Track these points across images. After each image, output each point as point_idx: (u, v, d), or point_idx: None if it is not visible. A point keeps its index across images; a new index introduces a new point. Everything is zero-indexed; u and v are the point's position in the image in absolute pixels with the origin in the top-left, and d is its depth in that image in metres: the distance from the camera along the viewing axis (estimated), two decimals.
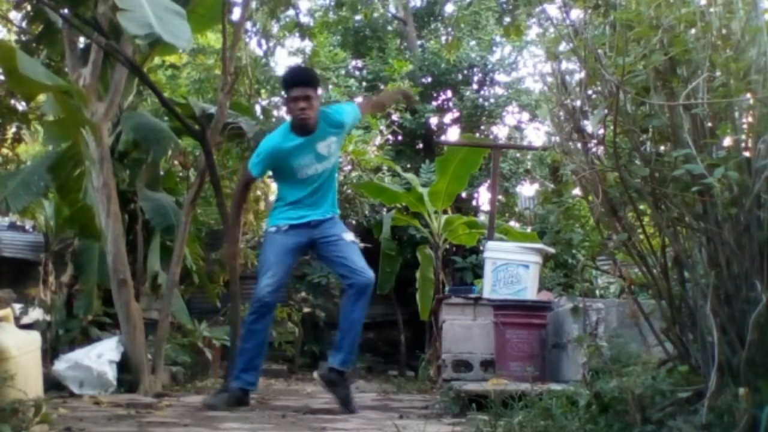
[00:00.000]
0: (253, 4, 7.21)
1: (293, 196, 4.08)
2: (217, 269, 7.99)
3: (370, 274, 3.95)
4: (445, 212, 8.04)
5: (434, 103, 10.89)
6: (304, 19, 10.62)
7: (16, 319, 4.42)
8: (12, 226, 10.52)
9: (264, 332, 4.01)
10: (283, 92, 4.21)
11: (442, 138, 10.81)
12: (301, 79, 4.05)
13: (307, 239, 4.06)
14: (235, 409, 3.78)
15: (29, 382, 2.63)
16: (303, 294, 9.15)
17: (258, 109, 7.30)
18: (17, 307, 5.81)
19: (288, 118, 4.21)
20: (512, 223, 9.63)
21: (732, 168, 1.84)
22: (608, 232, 2.40)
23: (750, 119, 2.04)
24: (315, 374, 4.01)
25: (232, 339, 5.30)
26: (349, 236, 4.12)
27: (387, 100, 4.49)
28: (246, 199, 4.79)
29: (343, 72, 10.80)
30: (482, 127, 10.73)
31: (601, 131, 2.26)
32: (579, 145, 2.35)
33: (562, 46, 2.36)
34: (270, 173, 4.48)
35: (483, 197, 10.80)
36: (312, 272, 9.60)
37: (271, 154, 4.05)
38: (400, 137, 10.35)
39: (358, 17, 12.58)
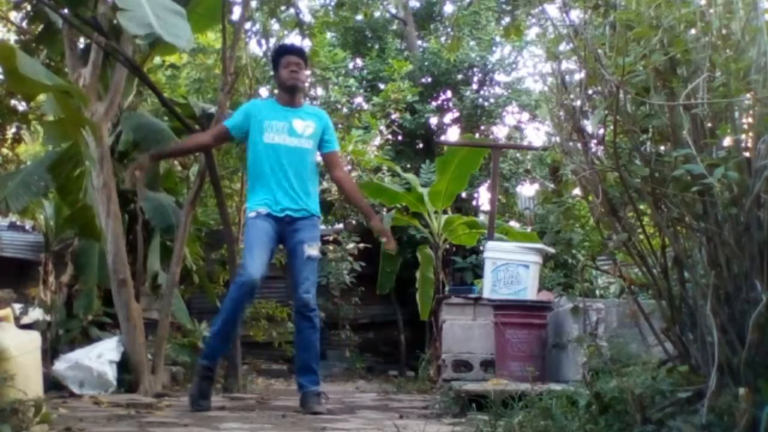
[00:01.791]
0: (253, 4, 7.22)
1: (260, 170, 4.01)
2: (217, 269, 8.00)
3: (310, 297, 3.91)
4: (445, 212, 8.04)
5: (434, 103, 10.89)
6: (304, 18, 10.61)
7: (16, 319, 4.43)
8: (12, 226, 10.52)
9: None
10: (275, 63, 4.22)
11: (442, 138, 10.82)
12: (292, 49, 4.29)
13: (281, 231, 4.00)
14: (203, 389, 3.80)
15: (29, 382, 2.63)
16: None
17: None
18: (17, 307, 5.80)
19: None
20: (512, 223, 9.63)
21: (732, 168, 1.84)
22: (608, 232, 2.40)
23: (750, 119, 2.04)
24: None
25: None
26: (312, 249, 3.98)
27: (369, 215, 4.45)
28: (198, 147, 4.71)
29: (343, 72, 10.81)
30: (482, 127, 10.73)
31: (601, 131, 2.26)
32: (579, 145, 2.35)
33: (562, 46, 2.36)
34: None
35: (483, 197, 10.82)
36: None
37: (249, 105, 4.27)
38: (400, 137, 10.36)
39: (358, 17, 12.58)
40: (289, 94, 4.08)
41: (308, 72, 4.23)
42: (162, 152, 4.95)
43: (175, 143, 4.89)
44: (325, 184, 8.16)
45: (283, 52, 4.19)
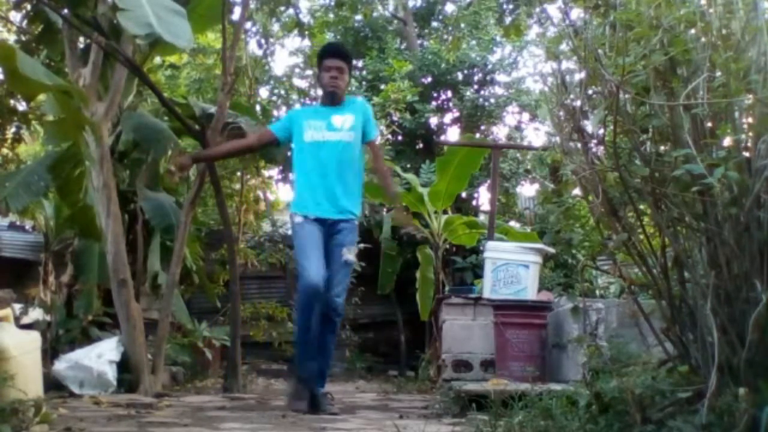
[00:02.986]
0: (253, 4, 7.22)
1: (302, 169, 4.02)
2: (217, 269, 8.00)
3: (339, 304, 3.91)
4: (445, 212, 8.03)
5: (434, 103, 10.88)
6: (304, 18, 10.62)
7: (16, 319, 4.42)
8: (12, 226, 10.51)
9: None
10: (317, 65, 4.24)
11: (442, 138, 10.81)
12: (336, 51, 4.26)
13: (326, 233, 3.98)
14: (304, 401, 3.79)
15: (29, 382, 2.64)
16: None
17: (258, 108, 7.29)
18: (17, 307, 5.80)
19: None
20: (512, 223, 9.62)
21: (732, 168, 1.84)
22: (608, 232, 2.40)
23: (750, 119, 2.04)
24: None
25: (232, 339, 5.31)
26: (350, 253, 3.97)
27: (390, 190, 4.47)
28: (242, 149, 4.76)
29: None
30: (482, 127, 10.72)
31: (601, 131, 2.26)
32: (579, 145, 2.35)
33: (562, 46, 2.36)
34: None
35: (483, 197, 10.80)
36: None
37: (293, 112, 4.37)
38: (400, 137, 10.35)
39: (358, 17, 12.58)
40: (329, 98, 4.10)
41: (346, 77, 4.21)
42: (204, 154, 4.87)
43: (217, 145, 4.79)
44: None
45: (325, 53, 4.18)
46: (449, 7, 13.40)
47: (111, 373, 4.56)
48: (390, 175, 4.57)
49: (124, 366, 4.67)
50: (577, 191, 2.94)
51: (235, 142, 4.77)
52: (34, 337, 3.07)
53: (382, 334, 9.90)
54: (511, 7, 12.74)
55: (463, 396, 3.65)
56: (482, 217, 9.17)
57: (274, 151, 6.55)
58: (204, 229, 8.45)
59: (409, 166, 10.08)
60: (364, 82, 10.93)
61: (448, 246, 8.32)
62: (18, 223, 10.23)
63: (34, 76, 3.28)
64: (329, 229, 3.95)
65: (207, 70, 9.51)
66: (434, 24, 13.33)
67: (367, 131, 4.12)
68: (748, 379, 1.85)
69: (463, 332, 5.08)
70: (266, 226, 9.85)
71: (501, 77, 11.23)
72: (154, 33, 3.66)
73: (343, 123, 4.04)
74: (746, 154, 1.96)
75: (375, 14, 12.72)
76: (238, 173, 8.52)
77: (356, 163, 4.09)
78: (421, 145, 10.89)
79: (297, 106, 9.91)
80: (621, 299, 4.62)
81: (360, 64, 11.82)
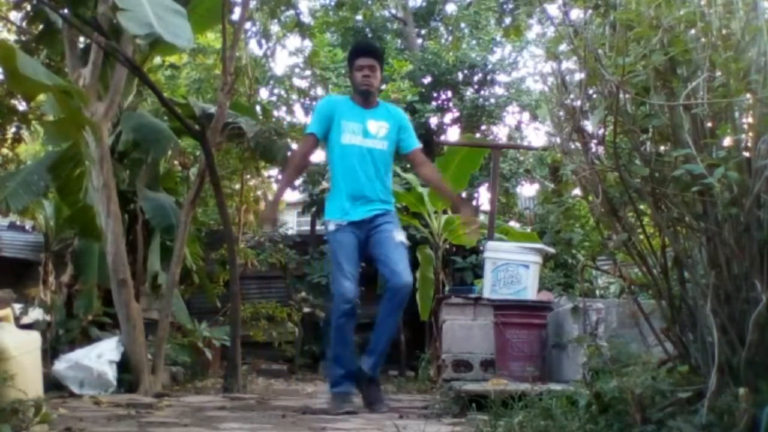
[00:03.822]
0: (253, 4, 7.22)
1: (338, 172, 4.02)
2: (217, 269, 8.00)
3: (408, 278, 3.89)
4: (445, 212, 8.03)
5: (434, 103, 10.89)
6: (304, 18, 10.62)
7: (16, 319, 4.43)
8: (12, 226, 10.52)
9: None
10: (349, 63, 4.22)
11: (442, 138, 10.81)
12: (367, 50, 4.26)
13: (364, 235, 4.00)
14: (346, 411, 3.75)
15: (29, 382, 2.63)
16: (303, 294, 9.15)
17: (258, 109, 7.29)
18: (17, 307, 5.80)
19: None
20: (512, 223, 9.63)
21: (732, 168, 1.84)
22: (608, 232, 2.40)
23: (750, 119, 2.04)
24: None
25: (232, 339, 5.31)
26: (400, 235, 3.99)
27: (451, 198, 4.51)
28: (303, 169, 4.65)
29: (343, 72, 10.80)
30: (482, 127, 10.73)
31: (601, 131, 2.26)
32: (579, 145, 2.35)
33: (562, 46, 2.36)
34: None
35: (483, 197, 10.81)
36: (312, 272, 9.59)
37: (327, 105, 4.17)
38: None
39: (358, 17, 12.58)
40: (362, 97, 4.09)
41: (379, 75, 4.16)
42: (278, 197, 4.55)
43: (280, 185, 4.62)
44: (324, 184, 8.15)
45: (357, 52, 4.16)
46: (449, 7, 13.41)
47: (111, 373, 4.56)
48: (455, 195, 4.53)
49: (124, 366, 4.67)
50: (577, 191, 2.95)
51: (291, 170, 4.40)
52: (34, 337, 3.06)
53: None
54: (511, 7, 12.74)
55: (463, 396, 3.64)
56: (482, 217, 9.16)
57: (273, 150, 6.56)
58: (204, 229, 8.45)
59: (409, 166, 10.07)
60: None
61: (448, 246, 8.32)
62: (18, 223, 10.24)
63: (34, 76, 3.28)
64: (370, 225, 3.97)
65: (207, 70, 9.51)
66: (434, 24, 13.33)
67: (404, 140, 4.14)
68: (748, 379, 1.85)
69: (463, 332, 5.08)
70: (266, 226, 9.85)
71: (501, 77, 11.24)
72: (154, 33, 3.66)
73: (378, 130, 4.06)
74: (746, 154, 1.96)
75: (375, 14, 12.71)
76: (238, 173, 8.51)
77: (389, 168, 4.14)
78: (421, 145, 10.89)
79: (297, 106, 9.91)
80: (621, 299, 4.62)
81: None
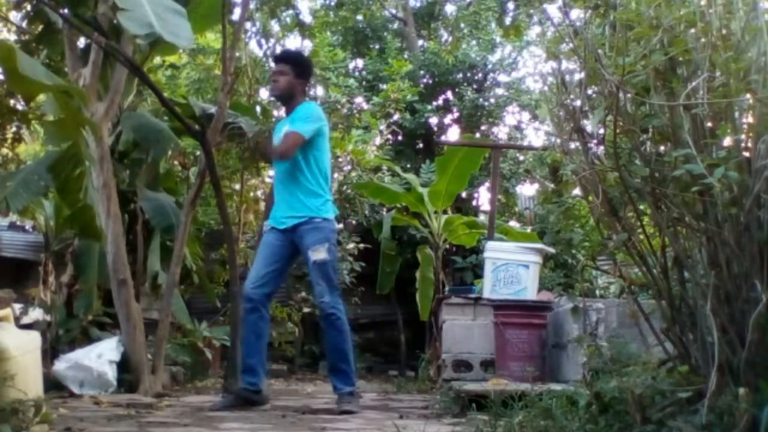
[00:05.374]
0: (253, 4, 7.22)
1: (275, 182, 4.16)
2: (217, 269, 7.99)
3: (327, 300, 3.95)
4: (445, 212, 8.04)
5: (434, 103, 10.89)
6: (304, 19, 10.62)
7: (16, 319, 4.43)
8: (12, 226, 10.50)
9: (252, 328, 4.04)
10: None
11: (442, 138, 10.81)
12: (276, 56, 4.37)
13: (291, 242, 4.06)
14: (238, 409, 3.79)
15: (29, 382, 2.63)
16: (303, 294, 9.14)
17: (258, 109, 7.29)
18: (17, 307, 5.80)
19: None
20: (512, 223, 9.63)
21: (732, 168, 1.84)
22: (608, 232, 2.40)
23: (750, 119, 2.04)
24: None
25: (232, 339, 5.30)
26: (318, 254, 3.91)
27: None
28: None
29: (343, 72, 10.80)
30: (482, 127, 10.73)
31: (601, 131, 2.26)
32: (579, 145, 2.35)
33: (562, 46, 2.36)
34: None
35: (483, 197, 10.81)
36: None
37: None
38: (400, 137, 10.35)
39: (358, 17, 12.58)
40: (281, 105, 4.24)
41: (287, 78, 4.08)
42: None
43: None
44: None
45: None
46: (449, 8, 13.40)
47: (111, 373, 4.56)
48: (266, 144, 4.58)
49: (124, 366, 4.67)
50: (577, 191, 2.95)
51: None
52: (34, 337, 3.06)
53: (382, 334, 9.90)
54: (511, 7, 12.75)
55: (463, 396, 3.64)
56: (482, 217, 9.17)
57: None
58: (204, 229, 8.44)
59: (409, 166, 10.08)
60: (364, 82, 10.93)
61: (448, 246, 8.32)
62: (18, 223, 10.22)
63: (34, 76, 3.28)
64: (294, 235, 4.00)
65: (207, 70, 9.50)
66: (434, 24, 13.33)
67: (296, 116, 4.02)
68: (748, 379, 1.85)
69: (463, 332, 5.08)
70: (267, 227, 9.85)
71: (501, 77, 11.24)
72: (154, 33, 3.66)
73: (282, 136, 4.05)
74: (746, 154, 1.96)
75: (375, 14, 12.71)
76: (238, 173, 8.51)
77: (307, 167, 3.99)
78: (421, 145, 10.89)
79: None
80: (621, 299, 4.62)
81: (360, 64, 11.83)
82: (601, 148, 2.30)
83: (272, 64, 4.86)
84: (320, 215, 3.97)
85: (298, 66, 4.14)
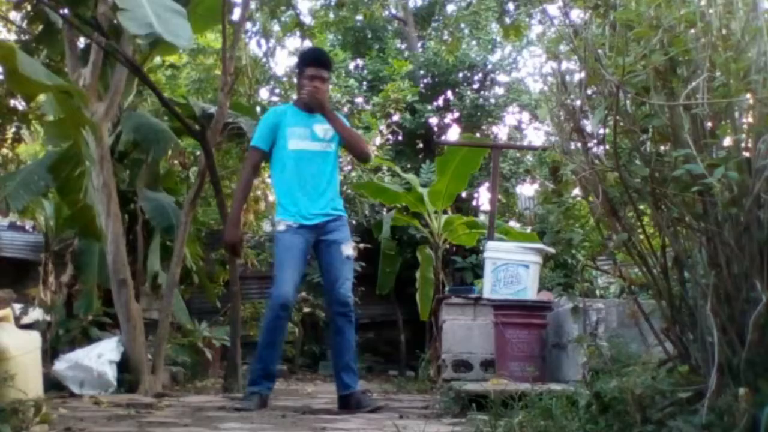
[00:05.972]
0: (253, 4, 7.22)
1: (287, 178, 3.99)
2: (217, 269, 8.00)
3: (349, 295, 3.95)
4: (445, 212, 8.04)
5: (434, 103, 10.89)
6: (304, 19, 10.63)
7: (16, 319, 4.42)
8: (12, 226, 10.50)
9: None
10: (298, 68, 4.18)
11: (442, 138, 10.82)
12: (319, 59, 4.15)
13: (312, 239, 4.00)
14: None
15: (29, 382, 2.64)
16: (303, 294, 9.15)
17: (258, 109, 7.29)
18: (17, 307, 5.80)
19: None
20: (512, 223, 9.63)
21: (732, 168, 1.84)
22: (608, 232, 2.40)
23: (750, 119, 2.04)
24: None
25: (232, 339, 5.31)
26: (349, 250, 3.99)
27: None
28: (251, 185, 4.50)
29: (343, 72, 10.80)
30: (482, 127, 10.73)
31: (601, 131, 2.26)
32: (579, 145, 2.35)
33: (563, 46, 2.36)
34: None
35: (483, 197, 10.82)
36: (312, 272, 9.57)
37: (270, 117, 4.11)
38: (400, 137, 10.36)
39: (358, 17, 12.58)
40: (307, 107, 4.06)
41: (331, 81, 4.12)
42: (235, 218, 4.25)
43: (234, 203, 4.33)
44: None
45: (308, 61, 4.10)
46: (449, 8, 13.41)
47: (111, 373, 4.56)
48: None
49: (124, 366, 4.67)
50: (577, 191, 2.95)
51: (243, 186, 4.23)
52: (34, 337, 3.07)
53: (382, 334, 9.90)
54: (511, 7, 12.75)
55: (463, 396, 3.64)
56: (482, 217, 9.17)
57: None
58: (204, 229, 8.45)
59: (409, 166, 10.08)
60: (364, 82, 10.93)
61: (448, 246, 8.32)
62: (18, 223, 10.22)
63: (34, 76, 3.27)
64: (320, 231, 3.97)
65: (207, 70, 9.51)
66: (434, 24, 13.34)
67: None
68: (748, 379, 1.85)
69: (463, 332, 5.08)
70: (266, 226, 9.85)
71: (501, 77, 11.24)
72: (154, 33, 3.66)
73: (326, 133, 4.04)
74: (746, 154, 1.96)
75: (375, 14, 12.70)
76: (238, 173, 8.51)
77: (336, 170, 4.13)
78: (421, 145, 10.90)
79: None
80: (621, 299, 4.62)
81: (360, 64, 11.82)
82: (601, 148, 2.30)
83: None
84: (344, 214, 4.12)
85: (332, 71, 4.19)
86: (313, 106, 3.99)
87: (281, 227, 3.95)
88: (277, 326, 3.90)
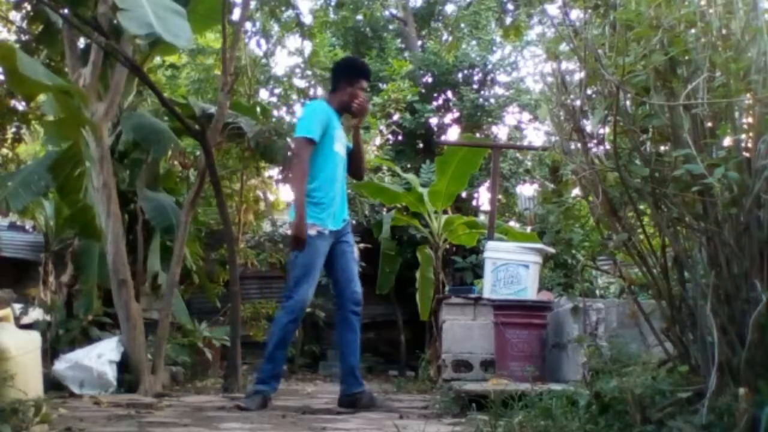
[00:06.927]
0: (253, 4, 7.22)
1: (328, 178, 3.99)
2: (217, 269, 8.00)
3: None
4: (445, 212, 8.03)
5: (434, 103, 10.88)
6: (304, 19, 10.62)
7: (16, 319, 4.42)
8: (12, 226, 10.51)
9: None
10: (348, 75, 4.21)
11: (442, 138, 10.81)
12: (370, 74, 4.47)
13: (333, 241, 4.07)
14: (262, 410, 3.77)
15: (29, 382, 2.64)
16: None
17: (258, 109, 7.29)
18: (17, 307, 5.80)
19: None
20: (512, 223, 9.62)
21: (732, 168, 1.84)
22: (608, 232, 2.40)
23: (750, 119, 2.04)
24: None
25: (232, 339, 5.31)
26: (357, 251, 4.22)
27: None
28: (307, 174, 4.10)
29: None
30: (482, 127, 10.72)
31: (601, 131, 2.26)
32: (579, 145, 2.35)
33: (562, 46, 2.36)
34: None
35: (483, 197, 10.80)
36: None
37: (320, 112, 4.03)
38: (400, 137, 10.35)
39: (358, 17, 12.58)
40: (348, 112, 4.20)
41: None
42: (302, 213, 3.92)
43: (298, 198, 4.03)
44: None
45: (363, 74, 4.24)
46: (449, 8, 13.40)
47: (111, 373, 4.56)
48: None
49: (124, 366, 4.67)
50: (577, 191, 2.95)
51: (301, 179, 3.95)
52: (34, 337, 3.06)
53: (382, 334, 9.89)
54: (511, 7, 12.74)
55: (463, 396, 3.64)
56: (482, 217, 9.16)
57: (273, 150, 6.56)
58: (204, 229, 8.44)
59: (409, 166, 10.07)
60: None
61: (448, 246, 8.31)
62: (18, 223, 10.23)
63: (34, 76, 3.28)
64: (339, 233, 4.06)
65: (207, 70, 9.51)
66: (434, 24, 13.33)
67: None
68: (748, 379, 1.85)
69: (463, 332, 5.08)
70: (266, 226, 9.85)
71: (501, 77, 11.23)
72: (154, 33, 3.66)
73: (348, 140, 4.23)
74: (746, 154, 1.97)
75: (375, 14, 12.70)
76: (238, 173, 8.52)
77: (345, 172, 4.29)
78: (421, 145, 10.89)
79: (297, 106, 9.91)
80: (621, 299, 4.62)
81: None
82: (601, 148, 2.30)
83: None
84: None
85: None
86: (360, 116, 4.18)
87: (313, 231, 3.87)
88: (294, 328, 4.03)
